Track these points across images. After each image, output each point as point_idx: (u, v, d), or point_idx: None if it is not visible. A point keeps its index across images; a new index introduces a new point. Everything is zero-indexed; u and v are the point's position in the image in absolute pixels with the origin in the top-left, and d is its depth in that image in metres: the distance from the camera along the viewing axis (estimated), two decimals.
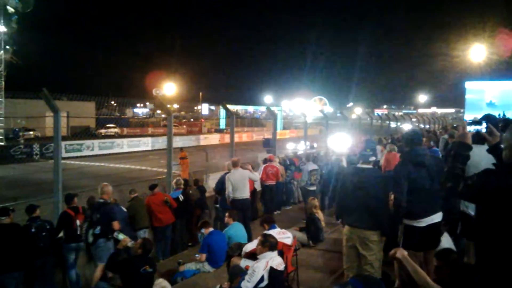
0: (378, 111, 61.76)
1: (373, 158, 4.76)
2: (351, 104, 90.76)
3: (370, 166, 4.70)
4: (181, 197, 8.95)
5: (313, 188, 10.38)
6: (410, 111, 78.24)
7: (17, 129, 32.43)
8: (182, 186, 9.46)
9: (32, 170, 18.76)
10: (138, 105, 75.93)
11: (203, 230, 6.88)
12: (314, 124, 40.90)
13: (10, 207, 6.39)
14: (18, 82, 34.60)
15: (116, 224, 6.67)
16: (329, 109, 74.00)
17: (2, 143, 27.25)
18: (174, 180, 9.55)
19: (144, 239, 5.73)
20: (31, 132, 34.49)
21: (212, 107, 68.26)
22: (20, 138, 30.79)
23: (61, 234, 6.93)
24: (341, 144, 11.63)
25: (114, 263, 5.43)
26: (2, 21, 29.24)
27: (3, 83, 29.54)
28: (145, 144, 33.56)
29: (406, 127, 21.32)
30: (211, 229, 6.91)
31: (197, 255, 6.85)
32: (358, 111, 54.44)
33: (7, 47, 31.28)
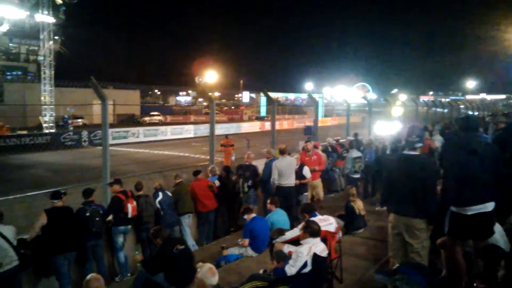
0: (424, 98, 59.84)
1: (419, 145, 4.62)
2: (395, 90, 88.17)
3: (417, 153, 4.57)
4: (217, 183, 9.05)
5: (357, 175, 10.23)
6: (458, 98, 75.20)
7: (66, 117, 33.75)
8: (217, 173, 9.57)
9: (80, 156, 19.53)
10: (180, 93, 77.23)
11: (245, 216, 6.96)
12: (356, 112, 40.18)
13: (62, 191, 6.65)
14: (66, 71, 35.92)
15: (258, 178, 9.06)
16: (372, 96, 72.39)
17: (52, 130, 28.46)
18: (209, 168, 9.64)
19: (155, 229, 5.82)
20: (80, 120, 35.83)
21: (253, 95, 68.36)
22: (69, 126, 32.04)
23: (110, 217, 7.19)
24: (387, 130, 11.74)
25: (150, 266, 5.52)
26: (50, 12, 30.34)
27: (52, 72, 30.75)
28: (187, 131, 34.14)
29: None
30: (253, 215, 6.98)
31: (239, 240, 6.95)
32: (402, 97, 52.92)
33: (56, 37, 32.47)
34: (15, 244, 5.73)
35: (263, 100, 55.14)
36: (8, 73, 39.68)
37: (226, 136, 18.77)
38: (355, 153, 10.36)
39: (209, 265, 4.06)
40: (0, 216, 5.79)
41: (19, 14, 29.36)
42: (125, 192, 7.34)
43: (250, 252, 6.73)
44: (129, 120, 39.92)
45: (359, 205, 7.52)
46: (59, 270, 6.08)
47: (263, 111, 53.41)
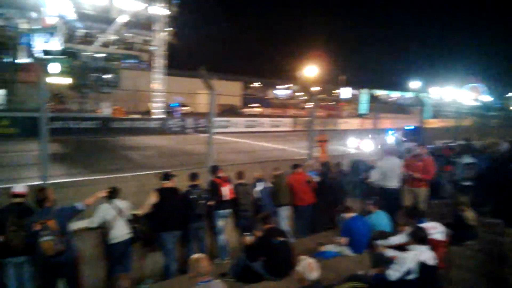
0: None
1: None
2: None
3: None
4: (316, 178, 8.98)
5: (468, 183, 9.49)
6: None
7: (173, 104, 35.83)
8: (316, 168, 9.52)
9: (185, 142, 20.63)
10: (280, 86, 77.93)
11: (345, 215, 6.83)
12: (468, 114, 37.23)
13: (172, 173, 7.06)
14: (175, 60, 38.03)
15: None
16: (486, 98, 66.45)
17: (161, 116, 30.39)
18: (308, 162, 9.63)
19: (264, 215, 5.95)
20: (185, 108, 37.83)
21: (354, 91, 66.65)
22: (176, 113, 33.99)
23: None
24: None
25: (251, 252, 5.68)
26: (164, 5, 32.27)
27: (164, 62, 32.79)
28: (285, 124, 34.41)
29: None
30: (353, 214, 6.81)
31: (337, 238, 6.83)
32: None
33: (168, 29, 34.48)
34: (129, 218, 6.25)
35: (363, 97, 53.66)
36: (124, 61, 43.01)
37: (322, 131, 18.56)
38: (466, 159, 9.64)
39: (310, 260, 4.04)
40: (117, 192, 6.32)
41: (136, 7, 31.67)
42: (220, 177, 7.64)
43: (347, 251, 6.58)
44: (229, 111, 41.32)
45: (469, 214, 6.98)
46: (166, 246, 6.50)
47: (363, 108, 52.00)
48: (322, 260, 6.46)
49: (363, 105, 52.60)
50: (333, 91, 72.94)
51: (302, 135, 15.76)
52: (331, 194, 9.06)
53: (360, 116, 46.69)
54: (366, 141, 14.92)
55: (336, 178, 9.40)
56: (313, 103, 12.39)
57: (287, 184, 8.58)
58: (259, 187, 8.12)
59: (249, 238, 5.95)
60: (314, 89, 54.12)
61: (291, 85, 73.14)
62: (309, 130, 10.72)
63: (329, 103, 62.86)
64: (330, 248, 6.73)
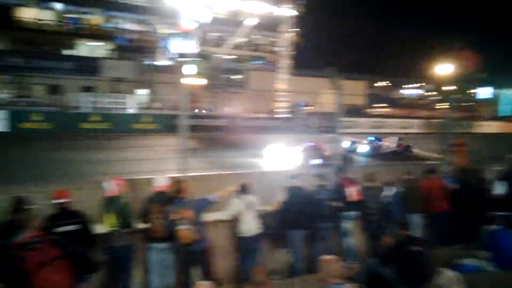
0: None
1: None
2: None
3: None
4: (453, 185, 8.29)
5: None
6: None
7: (296, 104, 36.25)
8: (457, 174, 8.77)
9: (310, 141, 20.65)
10: (408, 86, 73.97)
11: (488, 226, 6.21)
12: None
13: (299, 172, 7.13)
14: (300, 60, 38.37)
15: None
16: None
17: (287, 115, 31.00)
18: (441, 168, 8.92)
19: (402, 220, 5.65)
20: (309, 107, 37.98)
21: (497, 91, 60.33)
22: (299, 112, 34.34)
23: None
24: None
25: (383, 256, 5.47)
26: (291, 6, 32.76)
27: (289, 62, 33.35)
28: (416, 126, 32.63)
29: None
30: (498, 226, 6.15)
31: (479, 251, 6.22)
32: None
33: (294, 29, 34.91)
34: (259, 214, 6.46)
35: (507, 97, 48.42)
36: (251, 63, 44.66)
37: (458, 134, 17.10)
38: None
39: (453, 273, 3.74)
40: (248, 187, 6.57)
41: (264, 9, 32.62)
42: (347, 178, 7.48)
43: (490, 267, 5.96)
44: (353, 111, 40.50)
45: None
46: (293, 244, 6.59)
47: (505, 110, 46.89)
48: (460, 274, 5.98)
49: (506, 106, 47.36)
50: (469, 91, 66.78)
51: (435, 137, 14.76)
52: (470, 203, 8.30)
53: (501, 118, 42.14)
54: (296, 151, 12.57)
55: (476, 185, 8.57)
56: (448, 104, 11.48)
57: (420, 190, 8.08)
58: (389, 191, 7.77)
59: (388, 240, 5.72)
60: (448, 88, 50.28)
61: (422, 84, 68.81)
62: (444, 132, 9.94)
63: (465, 104, 57.82)
64: (469, 261, 6.16)
